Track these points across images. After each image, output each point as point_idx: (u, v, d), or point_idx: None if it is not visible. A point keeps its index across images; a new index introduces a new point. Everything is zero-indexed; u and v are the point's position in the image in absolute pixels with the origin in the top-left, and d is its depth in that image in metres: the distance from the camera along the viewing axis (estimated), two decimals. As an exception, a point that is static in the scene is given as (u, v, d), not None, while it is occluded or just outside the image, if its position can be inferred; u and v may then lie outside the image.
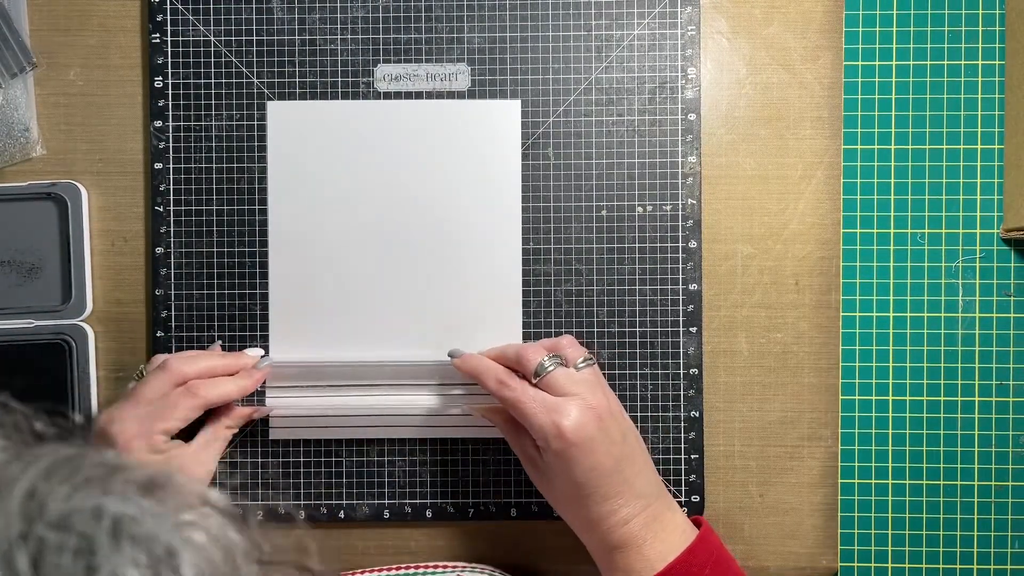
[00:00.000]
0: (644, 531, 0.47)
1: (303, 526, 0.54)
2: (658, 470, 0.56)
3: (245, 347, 0.56)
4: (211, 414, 0.53)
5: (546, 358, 0.49)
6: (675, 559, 0.46)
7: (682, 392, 0.57)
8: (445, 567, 0.54)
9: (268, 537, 0.27)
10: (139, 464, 0.25)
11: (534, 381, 0.49)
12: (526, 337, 0.56)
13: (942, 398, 0.61)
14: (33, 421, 0.27)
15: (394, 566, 0.54)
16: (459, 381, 0.56)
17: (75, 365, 0.56)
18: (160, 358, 0.52)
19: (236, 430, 0.54)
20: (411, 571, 0.54)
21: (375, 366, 0.56)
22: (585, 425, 0.47)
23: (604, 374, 0.56)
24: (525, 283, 0.57)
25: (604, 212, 0.57)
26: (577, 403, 0.47)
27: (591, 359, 0.50)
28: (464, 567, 0.54)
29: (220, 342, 0.57)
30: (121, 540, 0.22)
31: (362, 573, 0.54)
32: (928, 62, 0.61)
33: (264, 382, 0.55)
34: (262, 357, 0.55)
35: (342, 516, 0.56)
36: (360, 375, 0.56)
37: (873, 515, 0.61)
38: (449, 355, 0.54)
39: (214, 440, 0.53)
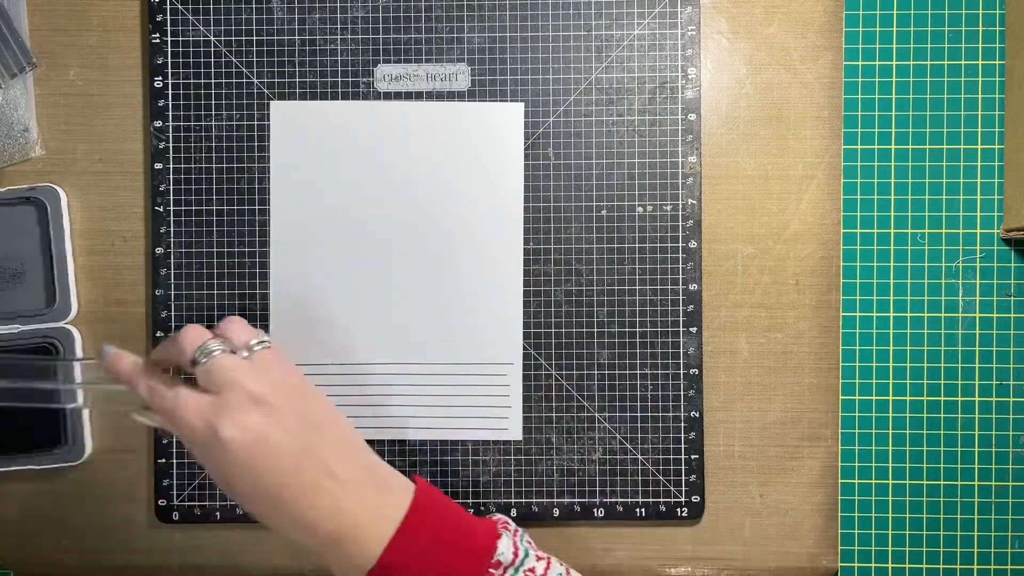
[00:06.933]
0: (356, 518, 0.40)
1: None
2: (658, 470, 0.57)
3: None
4: None
5: (210, 341, 0.42)
6: (391, 540, 0.41)
7: (682, 392, 0.57)
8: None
9: None
10: None
11: (192, 370, 0.42)
12: (526, 338, 0.56)
13: (942, 398, 0.61)
14: None
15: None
16: (463, 384, 0.56)
17: None
18: None
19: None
20: None
21: (369, 367, 0.56)
22: (250, 426, 0.39)
23: (604, 374, 0.57)
24: (525, 283, 0.57)
25: (604, 212, 0.57)
26: (237, 399, 0.40)
27: (267, 341, 0.43)
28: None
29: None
30: None
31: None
32: (928, 62, 0.60)
33: None
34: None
35: (342, 516, 0.56)
36: (357, 374, 0.56)
37: (873, 515, 0.61)
38: (103, 352, 0.45)
39: None
